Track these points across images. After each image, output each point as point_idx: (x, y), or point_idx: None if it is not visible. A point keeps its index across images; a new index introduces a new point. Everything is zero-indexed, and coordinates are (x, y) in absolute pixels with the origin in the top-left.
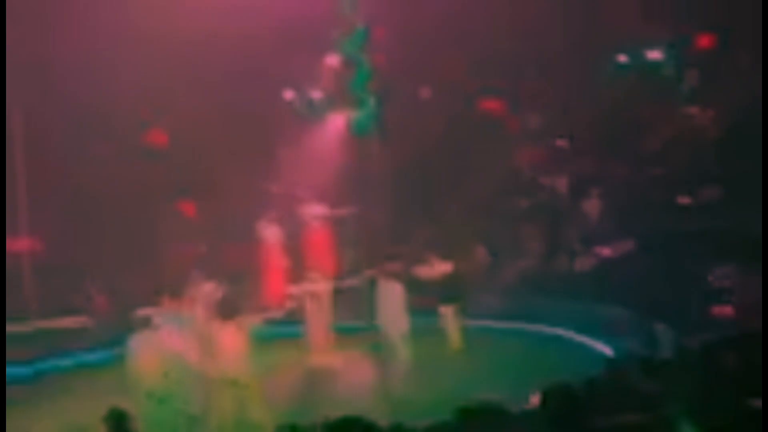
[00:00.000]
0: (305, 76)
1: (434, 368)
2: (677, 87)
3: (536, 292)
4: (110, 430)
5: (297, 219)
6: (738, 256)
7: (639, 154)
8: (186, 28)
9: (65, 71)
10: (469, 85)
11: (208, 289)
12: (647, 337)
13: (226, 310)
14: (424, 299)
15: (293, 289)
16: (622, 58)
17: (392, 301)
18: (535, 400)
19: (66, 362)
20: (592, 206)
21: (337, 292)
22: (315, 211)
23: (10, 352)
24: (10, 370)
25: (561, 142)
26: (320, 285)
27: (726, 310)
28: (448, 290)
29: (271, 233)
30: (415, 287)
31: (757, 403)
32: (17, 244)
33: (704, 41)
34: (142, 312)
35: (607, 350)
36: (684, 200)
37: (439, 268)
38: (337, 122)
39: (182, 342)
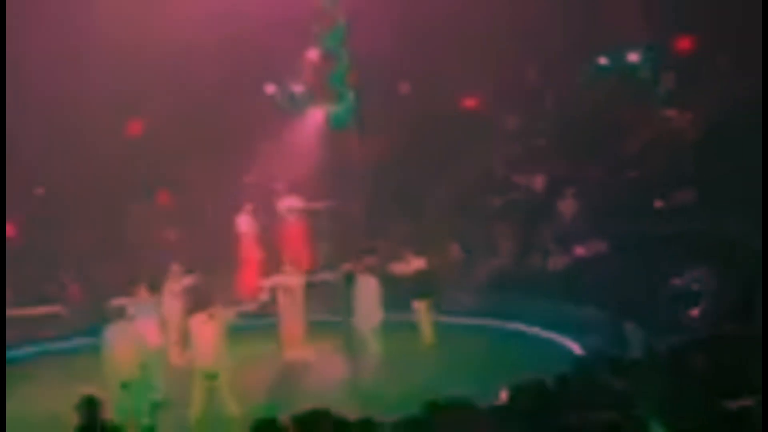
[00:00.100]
0: (287, 69)
1: (405, 363)
2: (656, 89)
3: (509, 289)
4: (83, 417)
5: (273, 212)
6: (711, 260)
7: (617, 155)
8: (169, 21)
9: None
10: (449, 82)
11: (186, 282)
12: (617, 336)
13: (199, 301)
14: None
15: (267, 282)
16: (603, 61)
17: (367, 295)
18: (503, 395)
19: (39, 350)
20: (567, 206)
21: (311, 286)
22: (291, 204)
23: None
24: None
25: (538, 142)
26: (294, 278)
27: (697, 313)
28: (422, 286)
29: (246, 225)
30: (389, 282)
31: (728, 404)
32: None
33: (683, 44)
34: (117, 302)
35: (577, 348)
36: (659, 203)
37: (413, 264)
38: (316, 116)
39: (157, 333)
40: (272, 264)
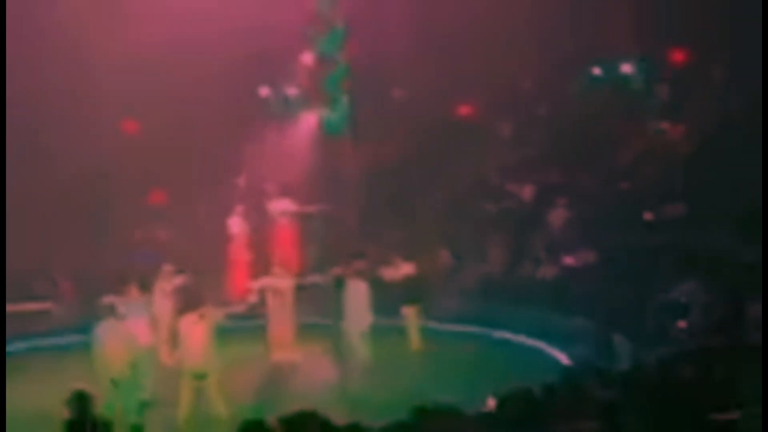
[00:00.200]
0: (281, 72)
1: (393, 368)
2: (649, 101)
3: (498, 297)
4: (73, 412)
5: (264, 214)
6: (700, 272)
7: (609, 166)
8: (164, 21)
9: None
10: (443, 89)
11: (176, 282)
12: (605, 347)
13: (189, 301)
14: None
15: (256, 284)
16: (596, 71)
17: (357, 299)
18: (491, 402)
19: (29, 346)
20: (558, 216)
21: (301, 289)
22: (282, 206)
23: None
24: None
25: (531, 151)
26: (284, 281)
27: (685, 325)
28: (411, 291)
29: (238, 227)
30: (378, 287)
31: (716, 417)
32: None
33: (677, 56)
34: (107, 299)
35: (565, 358)
36: (649, 215)
37: (402, 270)
38: (309, 120)
39: (147, 332)
40: (262, 266)
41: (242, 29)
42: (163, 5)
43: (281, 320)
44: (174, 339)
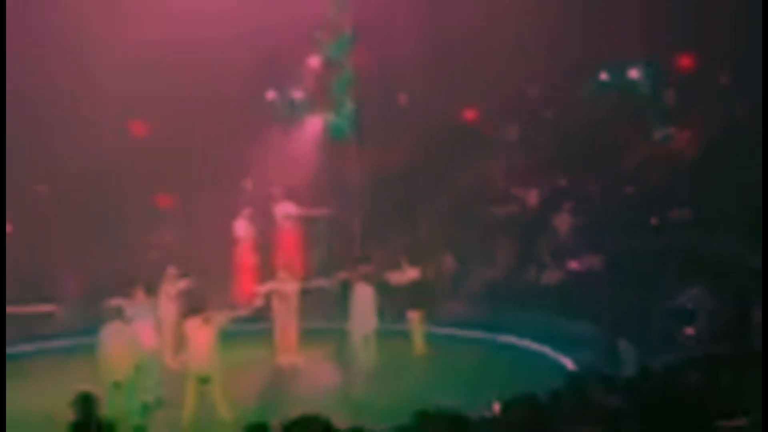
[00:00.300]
0: (288, 75)
1: (397, 372)
2: (655, 106)
3: (503, 302)
4: (78, 415)
5: (270, 217)
6: (707, 278)
7: (615, 171)
8: (171, 23)
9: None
10: (450, 95)
11: (182, 285)
12: (611, 353)
13: (194, 305)
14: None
15: (262, 288)
16: (603, 76)
17: (363, 303)
18: (495, 407)
19: (34, 348)
20: (563, 220)
21: (306, 292)
22: (288, 210)
23: None
24: None
25: (537, 156)
26: (289, 284)
27: (692, 331)
28: (416, 296)
29: (243, 230)
30: (384, 291)
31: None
32: None
33: (684, 61)
34: (114, 302)
35: (570, 364)
36: (655, 220)
37: (408, 274)
38: (315, 124)
39: (152, 335)
40: (268, 269)
41: (249, 32)
42: (170, 6)
43: (287, 324)
44: (179, 342)
